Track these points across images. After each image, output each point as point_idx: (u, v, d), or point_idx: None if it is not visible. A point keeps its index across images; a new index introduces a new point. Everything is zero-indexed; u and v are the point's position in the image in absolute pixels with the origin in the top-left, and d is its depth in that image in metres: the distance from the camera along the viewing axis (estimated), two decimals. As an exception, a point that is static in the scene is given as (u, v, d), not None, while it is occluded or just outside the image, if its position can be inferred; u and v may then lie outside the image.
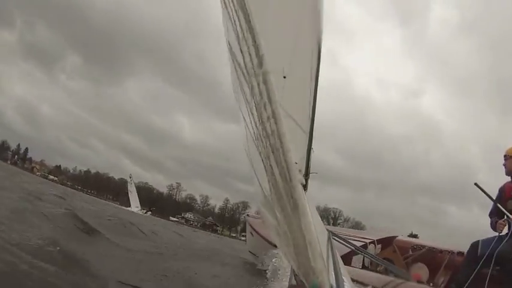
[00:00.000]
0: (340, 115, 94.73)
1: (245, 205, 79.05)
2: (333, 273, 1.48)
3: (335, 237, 3.17)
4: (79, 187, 79.44)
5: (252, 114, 0.84)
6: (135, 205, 47.40)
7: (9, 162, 78.19)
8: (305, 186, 3.14)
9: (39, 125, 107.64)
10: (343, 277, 1.61)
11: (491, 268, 3.30)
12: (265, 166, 0.90)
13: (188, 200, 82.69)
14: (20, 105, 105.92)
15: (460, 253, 4.01)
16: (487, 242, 3.41)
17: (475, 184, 3.72)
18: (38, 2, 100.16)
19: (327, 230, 2.74)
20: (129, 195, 50.24)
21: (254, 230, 5.40)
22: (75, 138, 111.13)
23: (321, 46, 3.37)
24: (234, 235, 77.74)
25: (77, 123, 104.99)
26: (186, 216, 75.90)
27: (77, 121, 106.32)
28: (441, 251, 4.17)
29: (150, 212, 48.61)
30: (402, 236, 4.92)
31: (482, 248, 3.37)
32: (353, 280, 2.33)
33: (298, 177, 2.90)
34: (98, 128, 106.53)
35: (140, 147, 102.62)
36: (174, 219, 65.37)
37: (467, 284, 3.18)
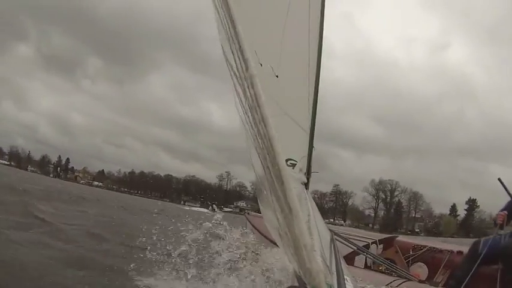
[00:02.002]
0: (366, 82, 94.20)
1: None
2: (335, 274, 1.47)
3: (338, 238, 3.18)
4: (125, 189, 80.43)
5: (247, 115, 0.84)
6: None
7: (51, 175, 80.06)
8: (307, 185, 3.16)
9: (74, 133, 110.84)
10: (347, 277, 1.60)
11: (498, 266, 3.31)
12: (263, 167, 0.90)
13: (238, 188, 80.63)
14: (51, 118, 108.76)
15: (460, 252, 4.05)
16: (489, 240, 3.42)
17: (499, 179, 3.81)
18: (48, 10, 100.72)
19: (330, 230, 2.75)
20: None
21: (254, 227, 5.41)
22: (111, 140, 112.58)
23: (321, 47, 3.37)
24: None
25: (111, 125, 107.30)
26: (239, 204, 73.72)
27: (110, 123, 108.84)
28: (441, 250, 4.22)
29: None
30: (403, 236, 4.98)
31: (483, 246, 3.38)
32: (355, 280, 2.33)
33: (298, 176, 2.89)
34: (131, 127, 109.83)
35: (176, 139, 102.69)
36: (228, 209, 64.49)
37: (466, 281, 3.19)
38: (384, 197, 76.10)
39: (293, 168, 3.02)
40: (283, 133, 2.94)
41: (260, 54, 2.36)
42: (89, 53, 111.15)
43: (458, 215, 68.94)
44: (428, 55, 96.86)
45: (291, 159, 3.03)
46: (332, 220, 78.55)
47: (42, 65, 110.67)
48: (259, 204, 1.91)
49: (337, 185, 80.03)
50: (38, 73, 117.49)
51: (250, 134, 0.91)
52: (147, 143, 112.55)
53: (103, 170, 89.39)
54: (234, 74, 0.81)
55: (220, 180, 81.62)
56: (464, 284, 3.17)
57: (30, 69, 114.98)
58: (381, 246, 4.50)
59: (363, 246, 4.13)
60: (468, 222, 64.05)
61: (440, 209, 71.99)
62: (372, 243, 4.39)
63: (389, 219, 73.63)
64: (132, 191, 79.93)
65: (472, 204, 65.39)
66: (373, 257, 3.93)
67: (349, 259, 3.84)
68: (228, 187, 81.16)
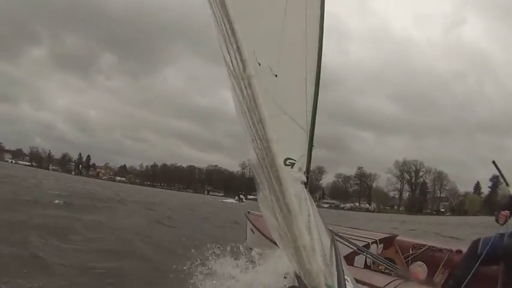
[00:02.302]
0: (384, 61, 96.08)
1: (320, 170, 78.41)
2: (335, 274, 1.47)
3: (338, 238, 3.17)
4: (148, 183, 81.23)
5: (246, 116, 0.84)
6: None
7: (73, 173, 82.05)
8: (306, 184, 3.15)
9: (93, 130, 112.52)
10: (347, 277, 1.60)
11: (498, 266, 3.29)
12: (262, 167, 0.90)
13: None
14: (70, 116, 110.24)
15: (459, 251, 4.04)
16: (488, 240, 3.40)
17: (493, 162, 3.80)
18: (58, 10, 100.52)
19: (330, 230, 2.74)
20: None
21: (255, 227, 5.41)
22: (131, 135, 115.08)
23: (321, 47, 3.37)
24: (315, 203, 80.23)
25: (130, 120, 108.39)
26: (261, 192, 76.33)
27: (129, 118, 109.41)
28: (440, 249, 4.21)
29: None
30: (403, 235, 4.98)
31: (482, 245, 3.37)
32: (355, 280, 2.33)
33: (297, 175, 2.89)
34: (150, 120, 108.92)
35: (196, 130, 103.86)
36: (252, 197, 65.59)
37: (465, 281, 3.18)
38: (408, 178, 76.32)
39: (292, 167, 3.02)
40: (281, 132, 2.94)
41: (258, 53, 2.36)
42: (102, 49, 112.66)
43: (482, 192, 69.36)
44: (444, 32, 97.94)
45: (290, 159, 3.03)
46: (357, 204, 79.18)
47: (57, 65, 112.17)
48: (259, 204, 1.91)
49: (361, 167, 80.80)
50: (53, 73, 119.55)
51: (249, 134, 0.90)
52: (167, 135, 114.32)
53: (125, 165, 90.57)
54: (232, 74, 0.81)
55: (243, 168, 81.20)
56: (464, 284, 3.16)
57: (45, 70, 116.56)
58: (381, 245, 4.50)
59: (363, 246, 4.13)
60: (492, 200, 63.23)
61: (465, 187, 72.14)
62: (372, 242, 4.39)
63: (414, 200, 73.96)
64: (155, 184, 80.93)
65: (496, 181, 64.28)
66: (373, 257, 3.93)
67: (349, 259, 3.83)
68: (251, 174, 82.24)
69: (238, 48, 0.65)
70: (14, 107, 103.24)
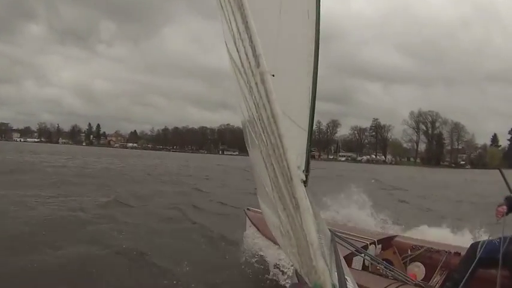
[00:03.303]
0: (386, 10, 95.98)
1: (335, 123, 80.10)
2: (336, 273, 1.47)
3: (336, 238, 3.17)
4: (161, 146, 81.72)
5: (252, 113, 0.83)
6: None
7: (84, 144, 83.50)
8: (305, 183, 3.15)
9: (100, 100, 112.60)
10: (347, 277, 1.60)
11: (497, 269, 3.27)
12: (266, 164, 0.90)
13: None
14: (75, 88, 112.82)
15: (457, 253, 4.02)
16: (488, 243, 3.38)
17: (499, 170, 3.82)
18: None
19: (330, 230, 2.74)
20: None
21: (253, 224, 5.40)
22: (138, 101, 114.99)
23: (318, 43, 3.36)
24: (331, 157, 78.82)
25: (135, 86, 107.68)
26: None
27: (134, 84, 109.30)
28: (438, 251, 4.20)
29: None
30: (401, 236, 4.95)
31: (482, 249, 3.34)
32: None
33: (297, 174, 2.90)
34: (155, 84, 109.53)
35: (203, 90, 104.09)
36: None
37: (462, 284, 3.16)
38: (424, 129, 75.55)
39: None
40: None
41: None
42: (100, 17, 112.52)
43: (500, 145, 69.54)
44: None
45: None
46: (374, 156, 79.21)
47: (56, 39, 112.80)
48: (259, 201, 1.90)
49: (377, 119, 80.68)
50: (54, 47, 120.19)
51: (254, 131, 0.90)
52: (174, 98, 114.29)
53: (135, 130, 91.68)
54: (239, 70, 0.80)
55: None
56: (461, 286, 3.14)
57: (45, 45, 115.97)
58: (380, 246, 4.48)
59: (362, 246, 4.10)
60: (512, 153, 60.20)
61: (482, 139, 71.88)
62: (371, 243, 4.37)
63: (431, 152, 73.21)
64: (168, 147, 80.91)
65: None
66: (370, 258, 3.90)
67: (347, 260, 3.82)
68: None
69: (251, 43, 0.65)
70: (18, 87, 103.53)
